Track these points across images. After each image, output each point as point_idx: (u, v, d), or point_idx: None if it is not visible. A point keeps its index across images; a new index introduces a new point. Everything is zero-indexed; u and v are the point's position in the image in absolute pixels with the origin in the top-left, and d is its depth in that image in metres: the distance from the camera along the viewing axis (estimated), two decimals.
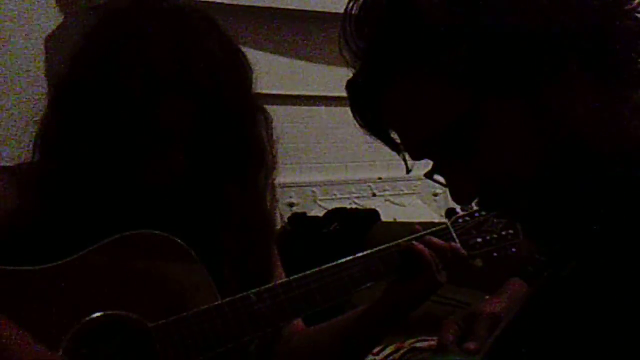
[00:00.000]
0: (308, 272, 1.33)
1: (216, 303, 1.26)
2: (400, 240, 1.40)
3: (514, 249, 1.47)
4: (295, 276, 1.33)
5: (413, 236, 1.40)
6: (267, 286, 1.30)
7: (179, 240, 1.27)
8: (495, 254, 1.46)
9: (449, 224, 1.45)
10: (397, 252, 1.38)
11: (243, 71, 1.34)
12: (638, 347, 0.68)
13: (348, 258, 1.37)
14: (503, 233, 1.46)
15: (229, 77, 1.30)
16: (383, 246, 1.39)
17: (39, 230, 1.23)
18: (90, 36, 1.32)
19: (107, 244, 1.24)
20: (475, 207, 1.47)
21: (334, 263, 1.35)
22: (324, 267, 1.34)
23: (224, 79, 1.29)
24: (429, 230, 1.43)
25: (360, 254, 1.38)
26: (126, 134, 1.24)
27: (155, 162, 1.26)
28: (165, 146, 1.26)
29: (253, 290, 1.29)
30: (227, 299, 1.27)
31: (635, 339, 0.69)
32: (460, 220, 1.46)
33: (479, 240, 1.46)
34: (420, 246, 1.37)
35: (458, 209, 1.48)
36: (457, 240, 1.43)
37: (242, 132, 1.33)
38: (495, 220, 1.47)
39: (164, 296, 1.25)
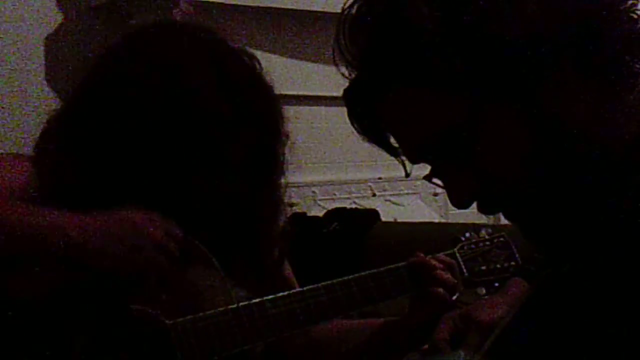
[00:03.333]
0: (323, 283, 1.36)
1: (232, 306, 1.28)
2: (406, 262, 1.44)
3: None
4: (310, 287, 1.36)
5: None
6: (281, 294, 1.33)
7: (199, 244, 1.29)
8: (497, 285, 1.48)
9: (455, 250, 1.49)
10: (408, 270, 1.41)
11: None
12: (637, 344, 0.69)
13: (362, 274, 1.40)
14: (506, 265, 1.51)
15: (272, 94, 1.36)
16: (393, 265, 1.42)
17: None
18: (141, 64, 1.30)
19: None
20: (480, 237, 1.53)
21: (348, 277, 1.39)
22: (335, 280, 1.37)
23: (272, 97, 1.35)
24: (436, 255, 1.46)
25: (370, 272, 1.41)
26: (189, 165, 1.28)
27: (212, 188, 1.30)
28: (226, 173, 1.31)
29: (268, 297, 1.31)
30: (243, 303, 1.29)
31: (634, 336, 0.69)
32: (465, 247, 1.51)
33: (484, 268, 1.50)
34: (434, 262, 1.41)
35: (463, 237, 1.53)
36: (462, 266, 1.47)
37: (277, 140, 1.39)
38: (498, 250, 1.51)
39: (182, 296, 1.27)
